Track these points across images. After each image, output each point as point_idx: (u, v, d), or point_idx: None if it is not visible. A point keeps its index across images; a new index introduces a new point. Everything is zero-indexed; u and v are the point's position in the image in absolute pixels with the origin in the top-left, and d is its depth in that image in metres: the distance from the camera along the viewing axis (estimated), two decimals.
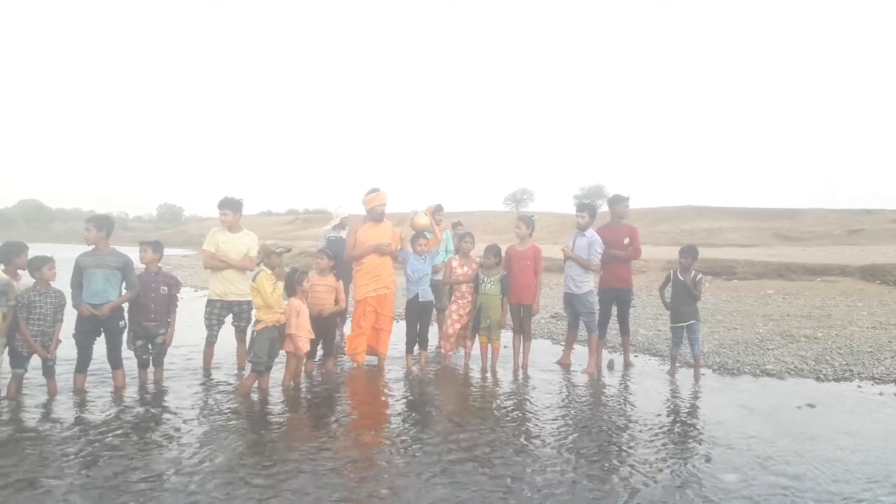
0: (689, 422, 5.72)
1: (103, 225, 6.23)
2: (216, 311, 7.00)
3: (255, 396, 6.12)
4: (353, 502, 3.85)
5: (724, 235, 45.48)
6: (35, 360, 5.95)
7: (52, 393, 5.92)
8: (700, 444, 5.03)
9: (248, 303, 6.97)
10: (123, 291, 6.24)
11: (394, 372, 7.34)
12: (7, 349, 5.71)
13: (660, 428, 5.42)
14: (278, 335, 6.35)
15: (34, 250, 6.20)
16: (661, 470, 4.45)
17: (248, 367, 6.41)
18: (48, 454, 4.48)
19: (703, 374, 7.39)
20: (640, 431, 5.31)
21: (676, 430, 5.43)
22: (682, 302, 7.41)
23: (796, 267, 17.45)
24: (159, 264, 6.67)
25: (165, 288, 6.49)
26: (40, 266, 5.87)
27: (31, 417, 5.35)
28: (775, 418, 5.73)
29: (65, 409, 5.56)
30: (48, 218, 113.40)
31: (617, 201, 7.98)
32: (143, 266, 6.59)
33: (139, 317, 6.37)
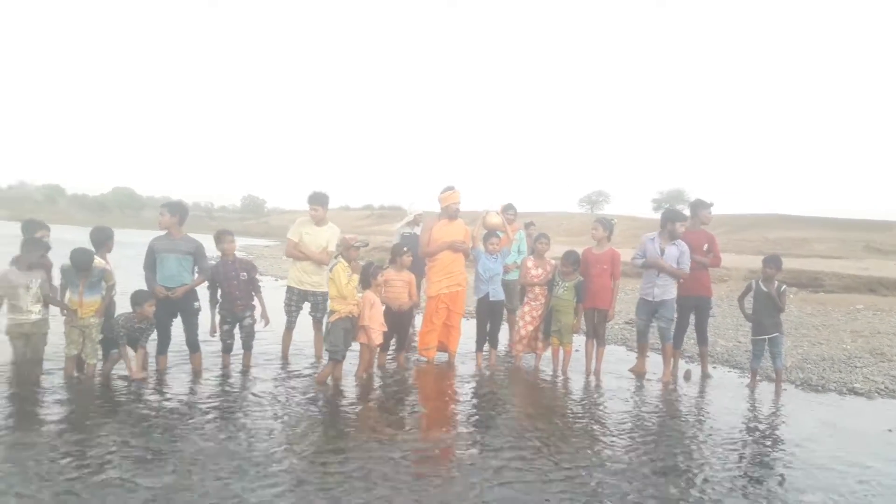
0: (769, 439, 5.48)
1: (177, 210, 6.48)
2: (294, 299, 7.20)
3: (329, 382, 6.29)
4: (416, 497, 3.86)
5: (811, 246, 43.53)
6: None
7: (160, 367, 6.37)
8: (780, 464, 4.82)
9: (324, 294, 7.12)
10: (195, 276, 6.48)
11: (463, 369, 7.35)
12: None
13: (737, 444, 5.23)
14: (352, 326, 6.47)
15: (126, 236, 6.53)
16: (737, 490, 4.28)
17: (325, 355, 6.55)
18: (118, 427, 4.69)
19: (785, 390, 7.09)
20: (717, 447, 5.12)
21: (755, 447, 5.22)
22: (765, 314, 7.11)
23: (889, 282, 16.53)
24: (236, 252, 6.90)
25: (245, 273, 6.73)
26: (142, 301, 6.09)
27: (112, 394, 5.63)
28: (863, 440, 5.44)
29: (150, 390, 5.84)
30: (139, 205, 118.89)
31: (700, 206, 7.72)
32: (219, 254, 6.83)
33: (226, 303, 6.62)
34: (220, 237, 6.77)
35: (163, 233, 6.49)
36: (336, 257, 6.77)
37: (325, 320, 6.86)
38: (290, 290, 7.24)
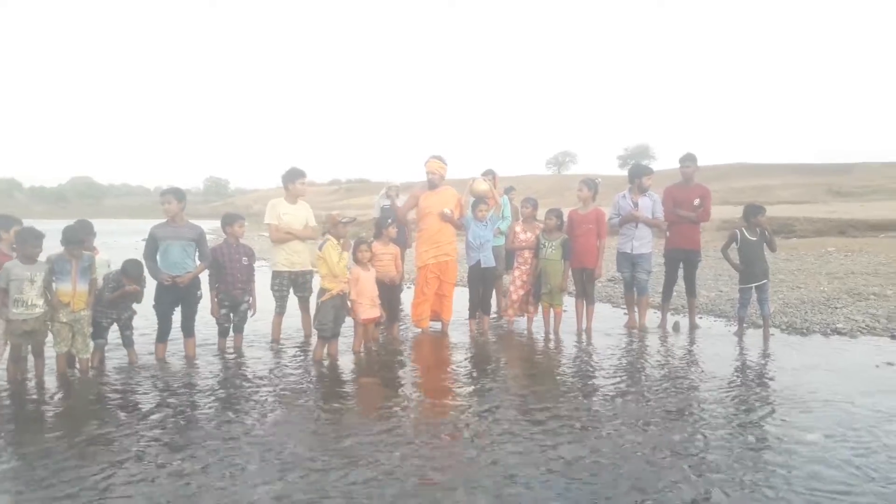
0: (764, 382, 5.61)
1: (182, 197, 6.44)
2: (285, 283, 7.07)
3: (325, 362, 6.28)
4: (424, 465, 3.90)
5: (776, 193, 44.24)
6: (114, 333, 6.22)
7: (132, 361, 6.16)
8: (778, 405, 4.94)
9: (310, 273, 7.13)
10: (197, 262, 6.41)
11: (457, 336, 7.41)
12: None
13: (735, 389, 5.35)
14: (343, 303, 6.46)
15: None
16: (739, 432, 4.39)
17: (315, 334, 6.56)
18: (133, 419, 4.65)
19: (772, 335, 7.27)
20: (715, 393, 5.23)
21: (752, 391, 5.34)
22: (755, 261, 7.26)
23: (858, 223, 16.97)
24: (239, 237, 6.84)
25: (246, 258, 6.71)
26: (136, 278, 6.02)
27: (116, 386, 5.56)
28: (854, 377, 5.61)
29: (148, 377, 5.77)
30: (99, 194, 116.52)
31: (686, 160, 7.79)
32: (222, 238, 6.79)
33: (226, 286, 6.57)
34: (231, 220, 6.75)
35: (162, 220, 6.39)
36: (323, 235, 6.72)
37: (312, 299, 6.83)
38: (279, 274, 7.05)
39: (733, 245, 7.41)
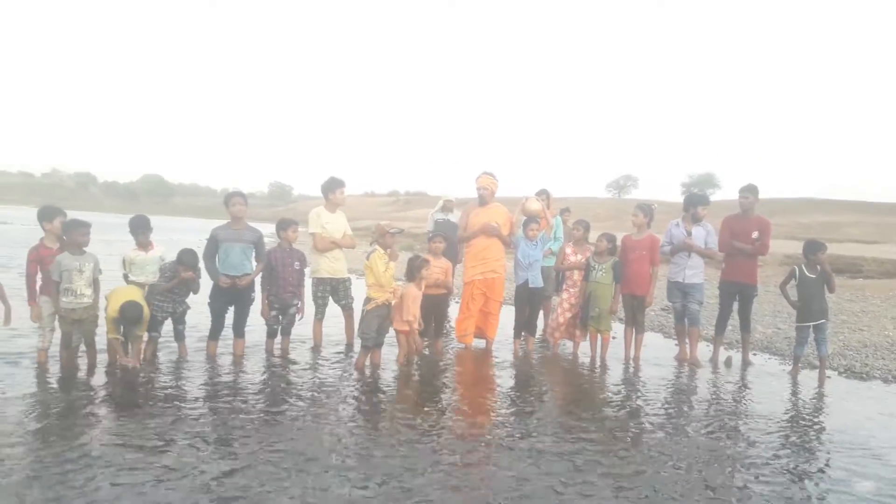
0: (816, 426, 5.39)
1: (247, 200, 6.68)
2: (328, 289, 7.15)
3: (367, 371, 6.31)
4: (459, 484, 3.86)
5: (844, 230, 42.76)
6: (167, 326, 6.40)
7: (182, 355, 6.33)
8: (829, 451, 4.73)
9: (349, 280, 7.26)
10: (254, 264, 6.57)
11: (500, 355, 7.34)
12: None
13: (785, 432, 5.14)
14: (388, 313, 6.47)
15: (157, 223, 6.61)
16: (787, 477, 4.20)
17: (358, 342, 6.61)
18: (179, 414, 4.75)
19: (829, 377, 6.97)
20: (763, 434, 5.03)
21: (802, 434, 5.13)
22: (813, 299, 6.99)
23: None
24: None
25: (298, 263, 6.84)
26: (192, 265, 6.21)
27: (165, 379, 5.72)
28: None
29: (199, 373, 5.92)
30: (168, 192, 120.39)
31: (746, 191, 7.56)
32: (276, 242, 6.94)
33: (277, 289, 6.70)
34: (285, 225, 6.91)
35: (223, 222, 6.57)
36: (371, 244, 6.77)
37: (357, 307, 6.86)
38: (321, 280, 7.11)
39: (792, 282, 7.16)
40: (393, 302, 6.48)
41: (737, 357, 7.71)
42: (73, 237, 5.68)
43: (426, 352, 7.19)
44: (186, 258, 6.15)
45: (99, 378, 5.59)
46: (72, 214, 6.07)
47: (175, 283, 6.14)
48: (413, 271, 6.61)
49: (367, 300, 6.44)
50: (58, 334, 5.82)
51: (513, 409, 5.47)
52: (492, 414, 5.36)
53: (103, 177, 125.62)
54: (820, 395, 6.34)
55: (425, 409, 5.31)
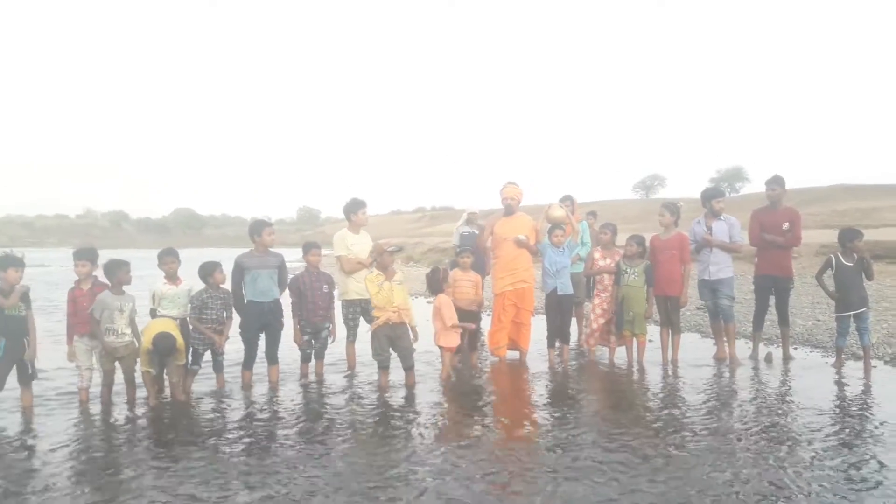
0: (864, 418, 5.24)
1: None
2: (358, 311, 7.16)
3: (403, 390, 6.30)
4: (506, 495, 3.83)
5: (883, 215, 41.63)
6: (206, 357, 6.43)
7: (220, 386, 6.39)
8: (880, 444, 4.59)
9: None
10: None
11: (535, 366, 7.29)
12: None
13: (831, 426, 5.01)
14: (396, 332, 6.40)
15: (191, 255, 6.69)
16: (835, 472, 4.09)
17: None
18: (219, 444, 4.80)
19: (875, 367, 6.80)
20: (809, 430, 4.91)
21: (850, 428, 4.99)
22: (852, 288, 6.84)
23: None
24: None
25: (326, 286, 6.89)
26: (211, 271, 6.35)
27: (204, 410, 5.78)
28: None
29: (238, 402, 5.98)
30: (200, 224, 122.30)
31: (772, 183, 7.46)
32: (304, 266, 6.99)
33: (307, 314, 6.76)
34: (307, 249, 7.00)
35: (245, 250, 6.67)
36: (371, 265, 6.77)
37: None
38: (350, 302, 7.12)
39: (828, 271, 7.01)
40: (395, 321, 6.37)
41: (777, 352, 7.57)
42: (119, 277, 5.82)
43: (460, 366, 7.17)
44: (207, 268, 6.29)
45: (139, 414, 5.65)
46: (108, 253, 6.20)
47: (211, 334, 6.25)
48: (435, 284, 6.67)
49: (372, 320, 6.46)
50: (96, 373, 5.92)
51: (555, 419, 5.41)
52: (535, 426, 5.30)
53: (136, 213, 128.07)
54: (867, 387, 6.18)
55: (469, 423, 5.28)
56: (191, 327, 6.28)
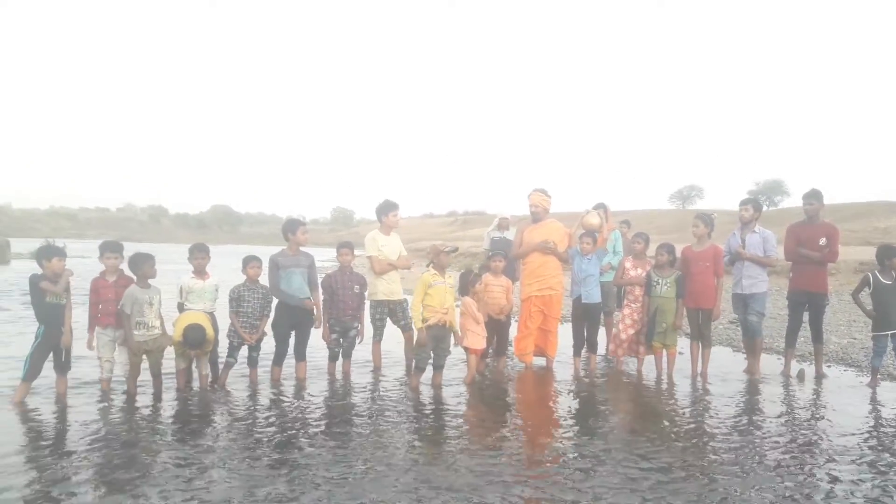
0: None
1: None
2: (386, 311, 7.23)
3: (430, 392, 6.33)
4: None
5: None
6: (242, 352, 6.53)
7: (252, 381, 6.49)
8: None
9: (406, 301, 7.29)
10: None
11: (561, 374, 7.27)
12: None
13: (862, 449, 4.88)
14: (443, 333, 6.51)
15: (226, 251, 6.83)
16: (866, 499, 4.01)
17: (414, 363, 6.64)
18: (247, 439, 4.87)
19: None
20: (840, 451, 4.80)
21: (883, 452, 4.86)
22: (890, 307, 6.70)
23: None
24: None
25: (357, 287, 6.97)
26: (246, 265, 6.52)
27: (239, 405, 5.87)
28: None
29: (267, 397, 6.07)
30: (236, 221, 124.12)
31: (809, 198, 7.33)
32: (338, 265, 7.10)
33: (337, 312, 6.86)
34: (339, 249, 7.11)
35: (277, 249, 6.81)
36: (427, 265, 6.84)
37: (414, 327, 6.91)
38: (378, 303, 7.19)
39: (865, 289, 6.87)
40: (446, 322, 6.48)
41: (810, 370, 7.43)
42: (145, 270, 5.91)
43: (487, 372, 7.19)
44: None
45: (166, 406, 5.72)
46: (146, 247, 6.32)
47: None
48: (465, 287, 6.75)
49: (424, 319, 6.48)
50: (118, 366, 5.97)
51: (580, 430, 5.39)
52: (560, 436, 5.27)
53: (174, 208, 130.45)
54: None
55: (493, 430, 5.27)
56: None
